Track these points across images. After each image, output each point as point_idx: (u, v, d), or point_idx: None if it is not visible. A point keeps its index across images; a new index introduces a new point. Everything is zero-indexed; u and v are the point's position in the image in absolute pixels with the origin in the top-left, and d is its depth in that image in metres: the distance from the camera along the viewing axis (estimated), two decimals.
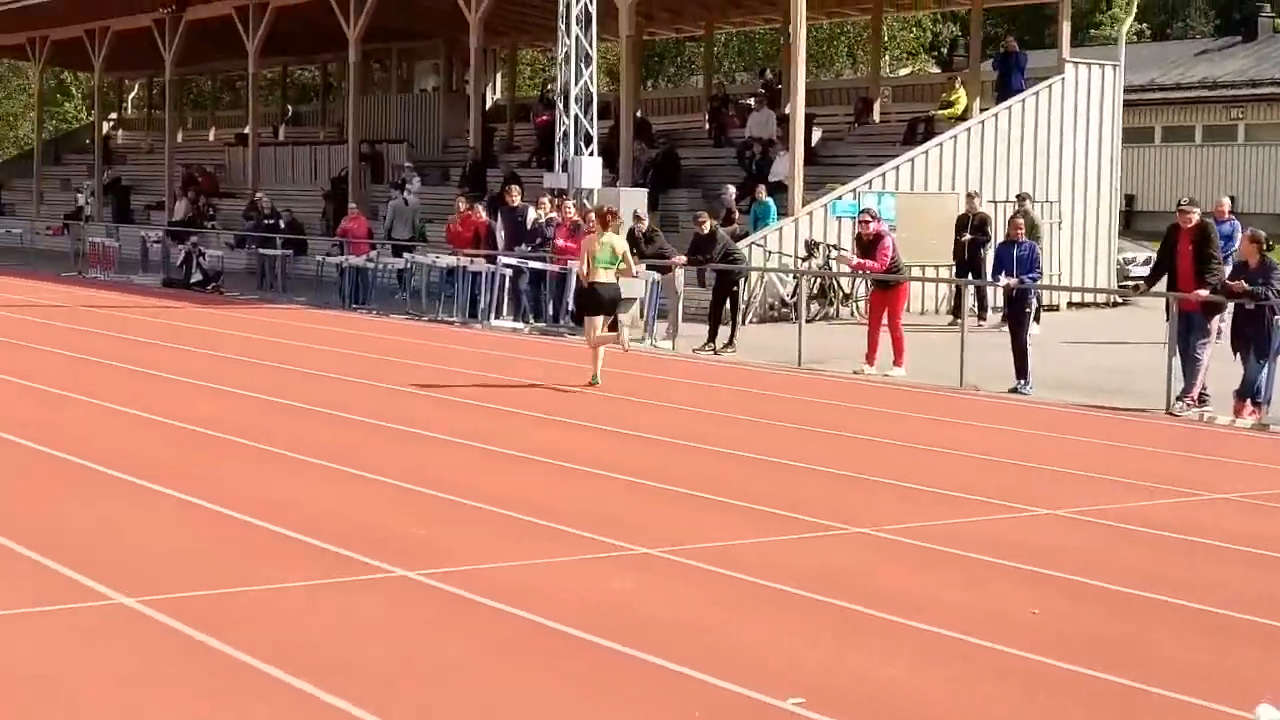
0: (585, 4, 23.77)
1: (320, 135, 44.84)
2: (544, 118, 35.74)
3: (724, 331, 19.88)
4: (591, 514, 9.33)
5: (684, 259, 20.85)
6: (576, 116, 23.92)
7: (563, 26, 23.98)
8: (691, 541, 8.66)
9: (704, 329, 20.21)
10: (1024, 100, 27.42)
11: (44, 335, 19.95)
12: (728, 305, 20.06)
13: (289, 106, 49.51)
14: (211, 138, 50.06)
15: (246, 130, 48.16)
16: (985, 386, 16.36)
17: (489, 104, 39.75)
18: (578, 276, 17.22)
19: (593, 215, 19.12)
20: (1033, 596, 7.73)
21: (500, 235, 23.80)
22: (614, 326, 16.55)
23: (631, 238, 21.40)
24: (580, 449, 11.86)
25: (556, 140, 24.53)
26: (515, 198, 23.60)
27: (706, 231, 20.35)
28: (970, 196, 24.93)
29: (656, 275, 20.86)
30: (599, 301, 15.67)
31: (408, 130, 39.58)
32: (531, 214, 23.28)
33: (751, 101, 32.32)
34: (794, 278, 24.06)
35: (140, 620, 6.95)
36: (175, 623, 6.86)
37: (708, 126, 33.49)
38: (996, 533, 9.22)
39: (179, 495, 9.65)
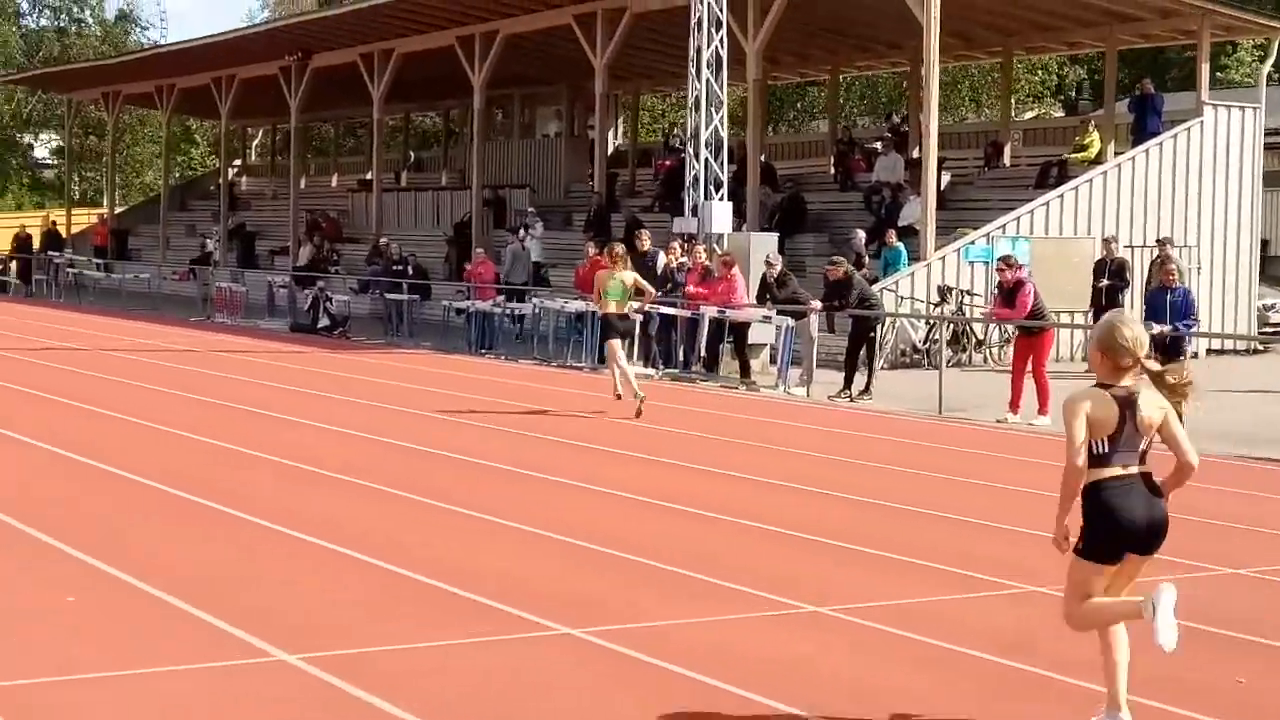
0: (715, 48, 23.59)
1: (442, 180, 45.12)
2: (667, 162, 35.74)
3: (859, 378, 19.54)
4: (752, 568, 9.01)
5: (819, 304, 20.54)
6: (706, 161, 23.71)
7: (693, 71, 23.84)
8: (862, 599, 8.32)
9: (835, 375, 19.88)
10: (1161, 143, 26.89)
11: (180, 380, 20.01)
12: (863, 351, 19.73)
13: (411, 152, 49.89)
14: (334, 183, 50.58)
15: (369, 176, 48.69)
16: None
17: (610, 149, 39.76)
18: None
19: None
20: (1234, 663, 7.32)
21: None
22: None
23: (764, 283, 21.19)
24: (730, 499, 11.55)
25: (686, 185, 24.31)
26: (645, 243, 23.40)
27: (841, 276, 20.03)
28: (1108, 241, 24.40)
29: (790, 321, 20.56)
30: (615, 331, 17.09)
31: (529, 175, 39.76)
32: (661, 259, 23.07)
33: (878, 145, 32.02)
34: (926, 323, 23.70)
35: (302, 678, 6.74)
36: (339, 681, 6.63)
37: (833, 171, 33.23)
38: (1180, 594, 8.77)
39: (331, 546, 9.48)
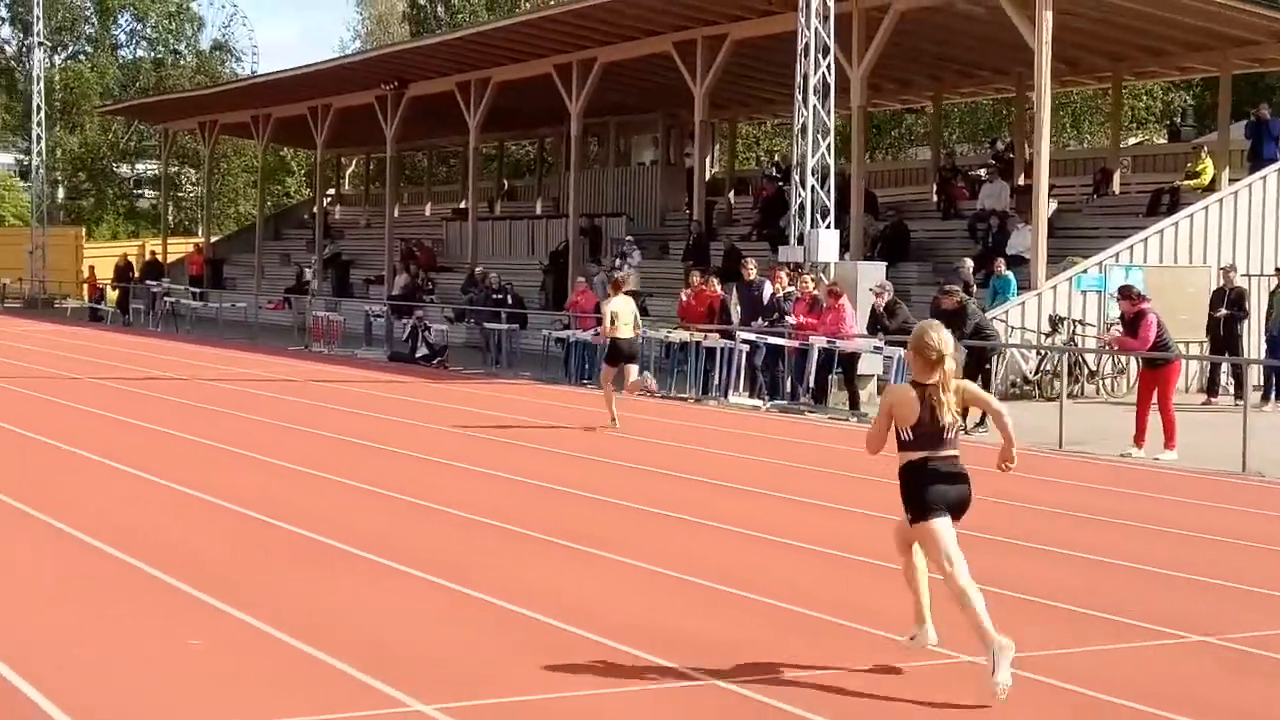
0: (823, 75, 23.22)
1: (537, 209, 45.04)
2: (767, 190, 35.42)
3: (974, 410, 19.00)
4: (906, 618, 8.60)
5: None
6: (813, 188, 23.30)
7: (799, 97, 23.47)
8: (1020, 649, 7.88)
9: None
10: (1279, 170, 26.18)
11: (284, 411, 19.87)
12: (977, 382, 19.18)
13: (505, 181, 49.82)
14: (427, 212, 50.58)
15: (463, 205, 48.70)
16: (1269, 472, 15.27)
17: (707, 176, 39.46)
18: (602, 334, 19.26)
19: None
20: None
21: (735, 309, 23.25)
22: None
23: (873, 313, 20.75)
24: (866, 539, 11.13)
25: (791, 212, 23.94)
26: (751, 271, 23.03)
27: (955, 305, 19.55)
28: (1226, 270, 23.72)
29: (901, 351, 20.08)
30: (624, 353, 18.17)
31: (625, 203, 39.55)
32: (768, 289, 22.69)
33: (982, 172, 31.49)
34: (1037, 354, 23.15)
35: None
36: None
37: (935, 198, 32.72)
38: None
39: (457, 588, 9.16)
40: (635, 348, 18.66)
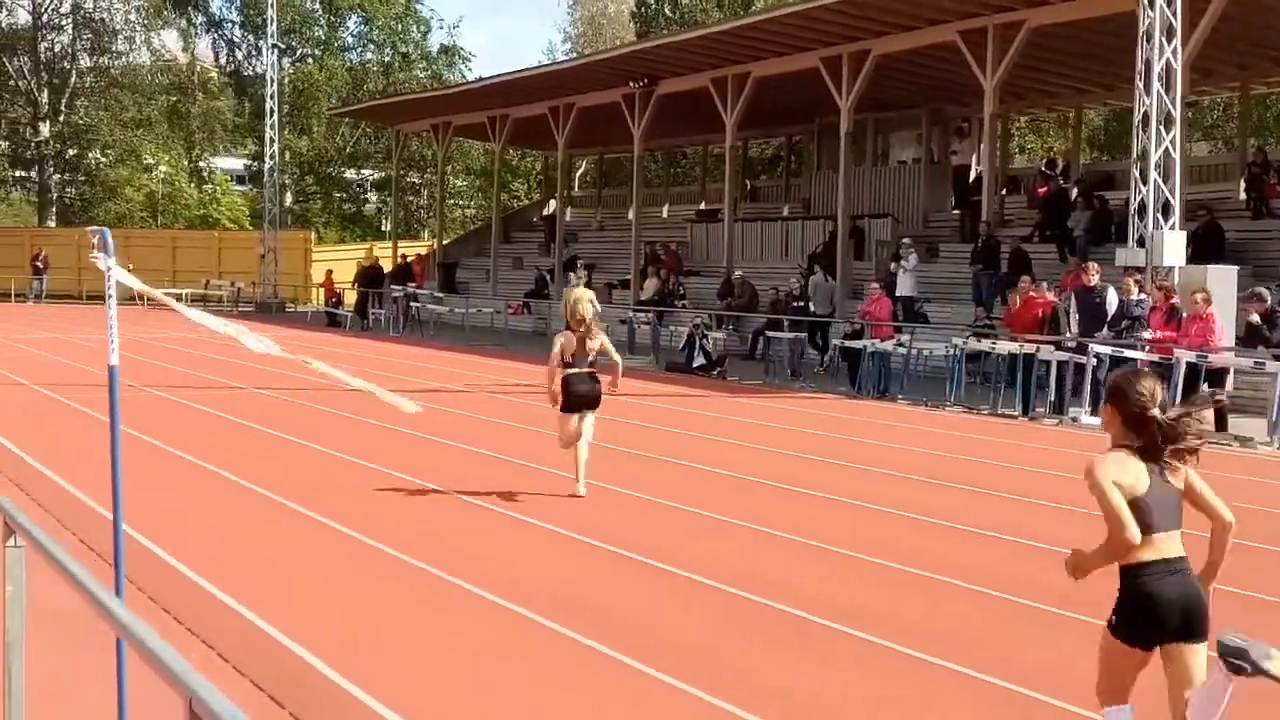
0: (1168, 60, 21.06)
1: (784, 210, 43.23)
2: (1044, 189, 33.22)
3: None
4: None
5: None
6: (1155, 184, 21.15)
7: (1140, 85, 21.34)
8: None
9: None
10: None
11: (620, 434, 18.27)
12: None
13: (748, 181, 48.06)
14: (665, 214, 49.12)
15: (703, 206, 47.26)
16: None
17: (972, 175, 37.33)
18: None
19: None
20: None
21: (1073, 318, 21.18)
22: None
23: (1250, 325, 18.59)
24: None
25: (1130, 213, 21.83)
26: (1093, 276, 20.93)
27: (1264, 312, 17.33)
28: None
29: None
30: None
31: (886, 203, 37.56)
32: (1112, 296, 20.60)
33: None
34: None
35: None
36: None
37: (1244, 195, 30.20)
38: None
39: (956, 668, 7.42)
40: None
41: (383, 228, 74.10)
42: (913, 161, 38.62)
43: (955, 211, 36.17)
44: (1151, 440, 5.31)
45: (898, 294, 30.73)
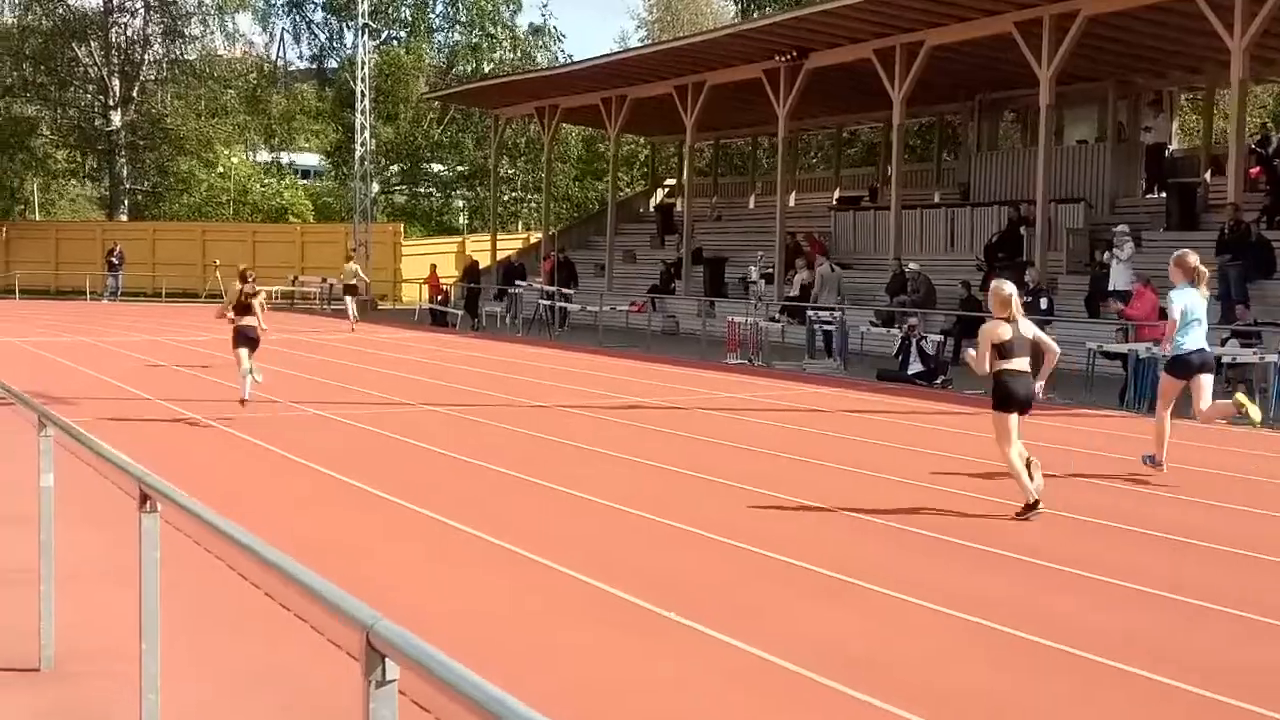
0: None
1: (935, 197, 39.38)
2: (1258, 169, 29.51)
3: None
4: None
5: None
6: None
7: None
8: None
9: None
10: None
11: (912, 467, 14.56)
12: None
13: (888, 166, 44.01)
14: (792, 202, 45.21)
15: (839, 193, 43.62)
16: None
17: (1166, 154, 33.42)
18: None
19: None
20: None
21: None
22: None
23: None
24: None
25: None
26: None
27: None
28: None
29: None
30: None
31: (1063, 187, 33.50)
32: None
33: None
34: None
35: None
36: None
37: None
38: None
39: None
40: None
41: (460, 221, 70.55)
42: (1095, 141, 34.64)
43: (1151, 195, 32.39)
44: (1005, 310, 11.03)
45: (1111, 287, 27.02)
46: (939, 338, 24.41)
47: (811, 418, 18.22)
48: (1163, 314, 20.10)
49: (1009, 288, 11.28)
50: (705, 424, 17.25)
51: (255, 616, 7.48)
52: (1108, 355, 21.17)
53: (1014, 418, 11.00)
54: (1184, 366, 13.38)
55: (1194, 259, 13.63)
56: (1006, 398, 10.97)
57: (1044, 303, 23.22)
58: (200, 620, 7.36)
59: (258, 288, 17.56)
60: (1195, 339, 13.37)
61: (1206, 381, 13.39)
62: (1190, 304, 13.32)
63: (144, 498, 4.93)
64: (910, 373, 23.28)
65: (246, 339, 17.05)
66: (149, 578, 4.93)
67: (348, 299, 38.84)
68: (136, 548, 4.92)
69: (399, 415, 17.58)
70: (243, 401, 17.00)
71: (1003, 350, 10.96)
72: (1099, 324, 25.35)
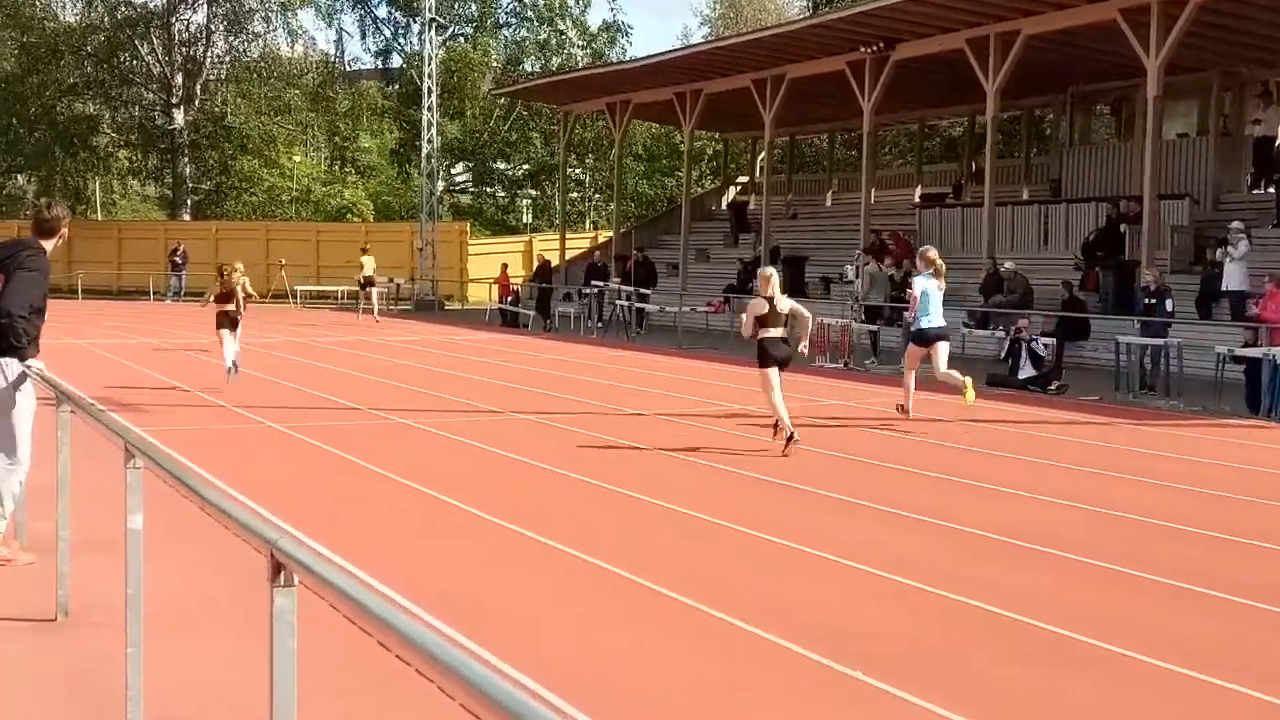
0: None
1: (1024, 193, 38.02)
2: None
3: None
4: None
5: None
6: None
7: None
8: None
9: None
10: None
11: (1109, 495, 13.36)
12: None
13: (972, 162, 42.62)
14: (871, 199, 43.79)
15: (921, 189, 42.34)
16: None
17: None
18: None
19: None
20: None
21: None
22: None
23: None
24: None
25: None
26: None
27: None
28: None
29: None
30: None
31: (1162, 182, 31.90)
32: None
33: None
34: None
35: None
36: None
37: None
38: None
39: None
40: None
41: (525, 220, 69.45)
42: (1197, 135, 33.17)
43: (1258, 190, 30.98)
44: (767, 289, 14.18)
45: (1225, 287, 25.72)
46: (1050, 340, 23.09)
47: (949, 430, 16.99)
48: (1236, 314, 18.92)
49: (769, 270, 14.83)
50: (854, 441, 16.06)
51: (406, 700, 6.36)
52: (1237, 360, 19.84)
53: (774, 371, 14.10)
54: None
55: None
56: (766, 356, 14.15)
57: (1169, 304, 21.81)
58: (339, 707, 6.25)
59: (240, 278, 20.51)
60: None
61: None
62: None
63: (276, 567, 3.50)
64: (1021, 377, 21.98)
65: (230, 320, 20.10)
66: (283, 667, 3.53)
67: (371, 292, 40.54)
68: (266, 621, 3.52)
69: (492, 424, 16.48)
70: (228, 372, 19.57)
71: (763, 321, 14.14)
72: (1212, 326, 24.10)
